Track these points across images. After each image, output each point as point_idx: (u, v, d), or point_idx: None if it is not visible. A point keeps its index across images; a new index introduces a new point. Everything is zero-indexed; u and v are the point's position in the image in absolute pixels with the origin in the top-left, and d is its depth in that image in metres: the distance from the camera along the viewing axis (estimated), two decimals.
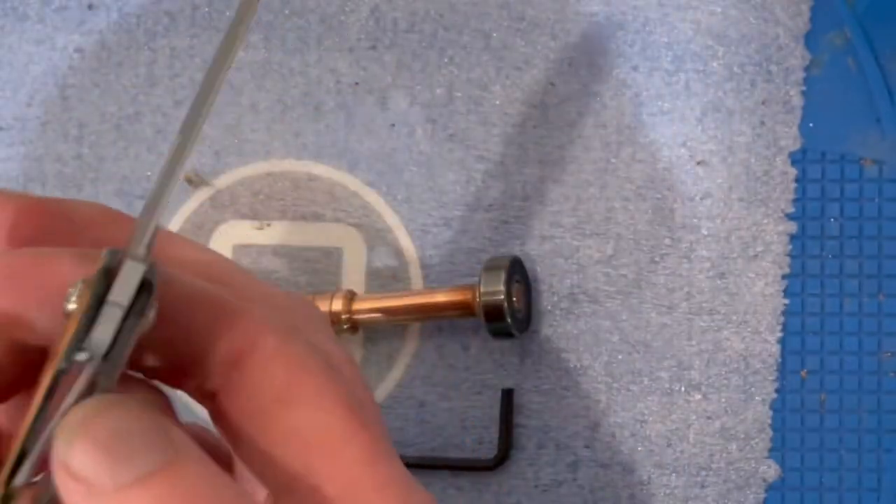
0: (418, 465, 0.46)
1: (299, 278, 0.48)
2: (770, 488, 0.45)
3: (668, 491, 0.46)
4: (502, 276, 0.44)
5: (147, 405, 0.19)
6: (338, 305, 0.45)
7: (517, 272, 0.45)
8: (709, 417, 0.46)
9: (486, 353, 0.47)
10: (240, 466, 0.23)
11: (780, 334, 0.46)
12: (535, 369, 0.46)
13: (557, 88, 0.48)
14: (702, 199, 0.47)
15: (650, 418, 0.46)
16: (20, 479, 0.19)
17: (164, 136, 0.49)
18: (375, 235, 0.48)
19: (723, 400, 0.46)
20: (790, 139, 0.47)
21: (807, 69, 0.47)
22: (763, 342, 0.46)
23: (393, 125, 0.48)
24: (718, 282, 0.46)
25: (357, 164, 0.48)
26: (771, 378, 0.46)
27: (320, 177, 0.49)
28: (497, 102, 0.48)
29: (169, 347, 0.21)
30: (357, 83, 0.49)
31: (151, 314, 0.19)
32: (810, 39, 0.47)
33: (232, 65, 0.21)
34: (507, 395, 0.46)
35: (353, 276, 0.48)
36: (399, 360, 0.47)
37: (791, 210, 0.47)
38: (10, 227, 0.21)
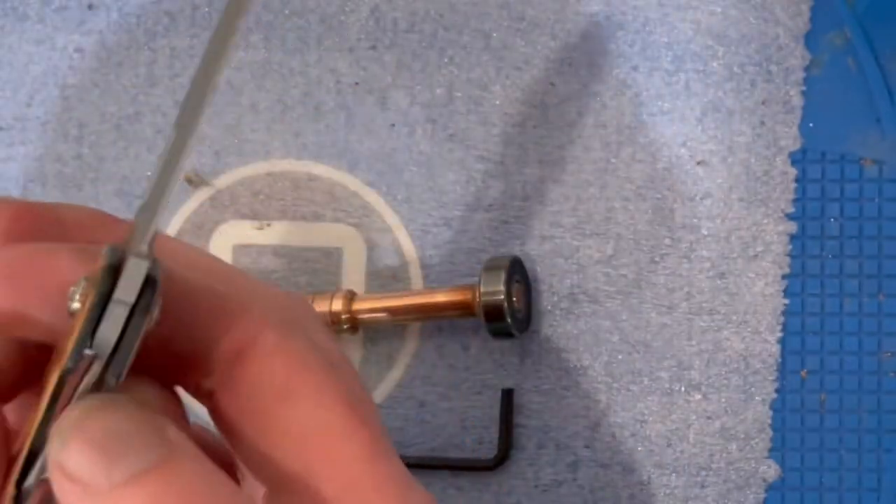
0: (418, 465, 0.46)
1: (299, 278, 0.48)
2: (770, 488, 0.45)
3: (668, 491, 0.46)
4: (502, 276, 0.44)
5: (142, 404, 0.19)
6: (338, 305, 0.45)
7: (517, 272, 0.45)
8: (709, 417, 0.46)
9: (486, 353, 0.47)
10: (241, 466, 0.23)
11: (780, 334, 0.46)
12: (535, 369, 0.46)
13: (557, 88, 0.48)
14: (702, 199, 0.47)
15: (650, 418, 0.46)
16: (30, 479, 0.19)
17: (164, 136, 0.49)
18: (375, 235, 0.48)
19: (723, 400, 0.46)
20: (790, 139, 0.47)
21: (807, 69, 0.47)
22: (763, 342, 0.46)
23: (393, 125, 0.48)
24: (718, 282, 0.46)
25: (357, 164, 0.48)
26: (771, 378, 0.46)
27: (320, 177, 0.49)
28: (497, 102, 0.48)
29: (169, 344, 0.21)
30: (357, 83, 0.49)
31: (156, 311, 0.19)
32: (810, 39, 0.47)
33: (236, 39, 0.21)
34: (507, 395, 0.46)
35: (353, 276, 0.48)
36: (399, 360, 0.47)
37: (791, 210, 0.47)
38: (1, 232, 0.21)
